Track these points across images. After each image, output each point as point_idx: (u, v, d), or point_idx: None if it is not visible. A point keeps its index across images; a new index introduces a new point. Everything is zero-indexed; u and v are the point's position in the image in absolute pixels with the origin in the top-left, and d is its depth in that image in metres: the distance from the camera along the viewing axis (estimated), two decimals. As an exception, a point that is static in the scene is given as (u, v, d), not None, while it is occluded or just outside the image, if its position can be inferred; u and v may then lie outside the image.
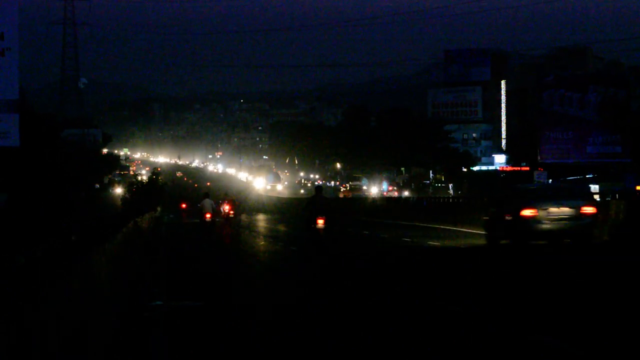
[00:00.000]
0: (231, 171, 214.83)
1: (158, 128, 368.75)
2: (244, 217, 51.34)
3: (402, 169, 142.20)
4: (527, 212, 26.21)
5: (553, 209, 26.30)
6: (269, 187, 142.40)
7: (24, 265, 5.44)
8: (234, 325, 12.75)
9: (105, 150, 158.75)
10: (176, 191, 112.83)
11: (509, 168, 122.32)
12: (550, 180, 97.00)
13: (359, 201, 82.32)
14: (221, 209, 46.85)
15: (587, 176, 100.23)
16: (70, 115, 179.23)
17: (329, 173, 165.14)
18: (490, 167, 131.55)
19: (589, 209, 26.67)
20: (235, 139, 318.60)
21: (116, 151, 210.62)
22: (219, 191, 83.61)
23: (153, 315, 13.57)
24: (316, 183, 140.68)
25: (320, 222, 27.38)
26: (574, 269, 20.99)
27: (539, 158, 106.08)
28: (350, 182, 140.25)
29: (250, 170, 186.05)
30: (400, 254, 27.55)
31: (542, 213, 26.13)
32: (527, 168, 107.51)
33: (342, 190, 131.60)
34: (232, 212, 45.95)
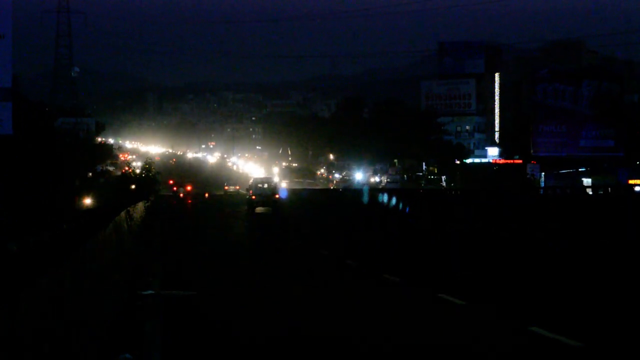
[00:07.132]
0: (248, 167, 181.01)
1: (151, 118, 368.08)
2: None
3: (395, 160, 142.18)
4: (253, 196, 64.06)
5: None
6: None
7: (17, 254, 5.42)
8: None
9: (105, 140, 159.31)
10: (166, 173, 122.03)
11: (502, 161, 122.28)
12: (543, 173, 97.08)
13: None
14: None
15: (580, 169, 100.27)
16: (63, 104, 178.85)
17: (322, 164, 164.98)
18: (484, 160, 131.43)
19: (276, 196, 63.04)
20: (229, 129, 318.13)
21: (110, 140, 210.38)
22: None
23: (146, 305, 13.56)
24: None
25: (189, 188, 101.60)
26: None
27: (532, 151, 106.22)
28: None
29: (284, 173, 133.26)
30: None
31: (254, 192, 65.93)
32: (520, 161, 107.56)
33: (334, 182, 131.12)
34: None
